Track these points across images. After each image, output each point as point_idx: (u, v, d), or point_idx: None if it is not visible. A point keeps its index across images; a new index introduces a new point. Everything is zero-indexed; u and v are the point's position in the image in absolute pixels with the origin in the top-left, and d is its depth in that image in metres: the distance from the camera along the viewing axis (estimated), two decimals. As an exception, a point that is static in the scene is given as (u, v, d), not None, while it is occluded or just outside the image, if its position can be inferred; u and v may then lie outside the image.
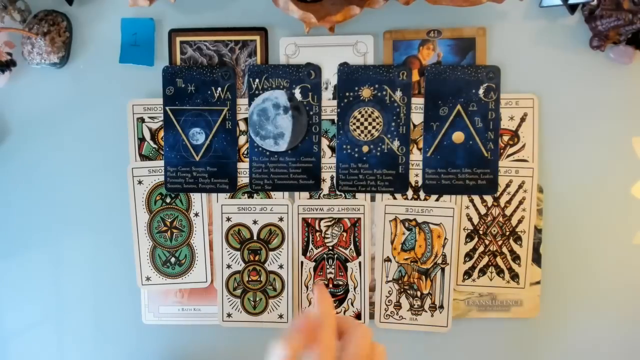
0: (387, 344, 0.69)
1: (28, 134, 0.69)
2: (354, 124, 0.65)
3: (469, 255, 0.66)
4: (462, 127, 0.64)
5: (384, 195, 0.66)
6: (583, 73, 0.64)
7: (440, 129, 0.65)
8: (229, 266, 0.68)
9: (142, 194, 0.68)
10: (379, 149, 0.65)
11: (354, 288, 0.67)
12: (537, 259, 0.66)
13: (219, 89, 0.66)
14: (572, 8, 0.63)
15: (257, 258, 0.67)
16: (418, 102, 0.65)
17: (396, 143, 0.65)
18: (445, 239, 0.66)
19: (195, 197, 0.67)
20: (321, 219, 0.66)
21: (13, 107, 0.69)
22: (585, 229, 0.65)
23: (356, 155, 0.65)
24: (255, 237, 0.67)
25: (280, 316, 0.68)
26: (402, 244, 0.66)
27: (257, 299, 0.68)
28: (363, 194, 0.66)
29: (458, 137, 0.65)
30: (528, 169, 0.64)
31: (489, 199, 0.65)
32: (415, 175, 0.66)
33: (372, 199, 0.66)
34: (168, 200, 0.68)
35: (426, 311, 0.66)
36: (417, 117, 0.65)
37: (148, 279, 0.68)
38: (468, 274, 0.66)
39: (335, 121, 0.66)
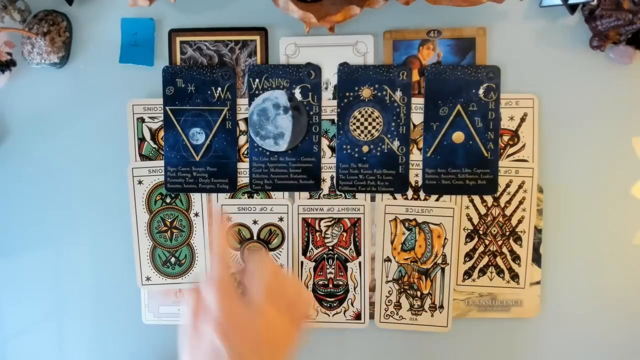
0: (387, 344, 0.69)
1: (28, 134, 0.69)
2: (354, 124, 0.65)
3: (469, 255, 0.66)
4: (462, 127, 0.64)
5: (384, 195, 0.66)
6: (583, 73, 0.64)
7: (440, 129, 0.65)
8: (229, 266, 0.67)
9: (142, 194, 0.68)
10: (379, 149, 0.65)
11: (354, 288, 0.67)
12: (537, 259, 0.66)
13: (219, 89, 0.66)
14: (572, 8, 0.63)
15: (257, 258, 0.67)
16: (418, 102, 0.65)
17: (396, 143, 0.65)
18: (445, 239, 0.66)
19: (195, 197, 0.67)
20: (321, 219, 0.66)
21: (13, 107, 0.69)
22: (585, 229, 0.65)
23: (356, 155, 0.65)
24: (255, 237, 0.67)
25: (280, 316, 0.68)
26: (402, 244, 0.66)
27: (257, 299, 0.68)
28: (363, 194, 0.66)
29: (458, 137, 0.65)
30: (528, 169, 0.64)
31: (489, 199, 0.65)
32: (415, 175, 0.66)
33: (372, 199, 0.66)
34: (168, 200, 0.68)
35: (426, 311, 0.66)
36: (417, 117, 0.65)
37: (148, 279, 0.68)
38: (468, 274, 0.66)
39: (335, 121, 0.66)
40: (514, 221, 0.65)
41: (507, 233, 0.65)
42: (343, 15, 0.59)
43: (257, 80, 0.66)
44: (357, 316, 0.67)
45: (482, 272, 0.66)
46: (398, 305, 0.67)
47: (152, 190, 0.68)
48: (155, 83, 0.66)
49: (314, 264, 0.67)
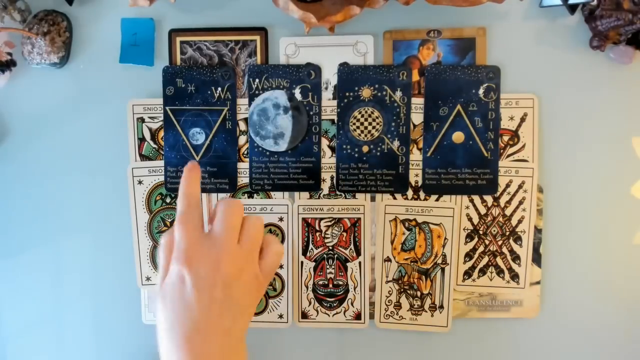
0: (387, 344, 0.69)
1: (28, 134, 0.69)
2: (354, 124, 0.65)
3: (469, 255, 0.66)
4: (462, 127, 0.64)
5: (384, 195, 0.66)
6: (583, 73, 0.64)
7: (440, 129, 0.65)
8: (229, 266, 0.67)
9: (142, 194, 0.68)
10: (379, 149, 0.65)
11: (354, 288, 0.67)
12: (537, 259, 0.66)
13: (219, 89, 0.66)
14: (572, 8, 0.63)
15: (257, 258, 0.67)
16: (418, 102, 0.65)
17: (396, 143, 0.65)
18: (445, 239, 0.66)
19: (195, 197, 0.67)
20: (321, 219, 0.66)
21: (13, 107, 0.69)
22: (585, 229, 0.65)
23: (356, 155, 0.65)
24: (255, 237, 0.67)
25: (280, 316, 0.68)
26: (402, 244, 0.66)
27: (257, 299, 0.68)
28: (363, 194, 0.66)
29: (458, 137, 0.65)
30: (528, 169, 0.64)
31: (489, 199, 0.65)
32: (415, 175, 0.66)
33: (372, 199, 0.66)
34: (168, 200, 0.68)
35: (426, 311, 0.66)
36: (417, 117, 0.65)
37: (148, 279, 0.68)
38: (468, 274, 0.66)
39: (335, 121, 0.66)
40: (514, 221, 0.65)
41: (507, 233, 0.65)
42: (343, 15, 0.59)
43: (257, 80, 0.66)
44: (357, 316, 0.67)
45: (482, 272, 0.66)
46: (398, 305, 0.67)
47: (152, 190, 0.68)
48: (155, 83, 0.66)
49: (314, 264, 0.67)
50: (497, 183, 0.65)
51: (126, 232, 0.68)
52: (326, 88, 0.66)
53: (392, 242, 0.66)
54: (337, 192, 0.66)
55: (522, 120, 0.64)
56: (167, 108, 0.66)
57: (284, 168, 0.66)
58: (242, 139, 0.67)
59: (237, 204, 0.47)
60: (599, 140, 0.65)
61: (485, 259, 0.66)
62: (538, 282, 0.66)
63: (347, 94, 0.65)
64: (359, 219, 0.66)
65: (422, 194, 0.66)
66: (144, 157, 0.68)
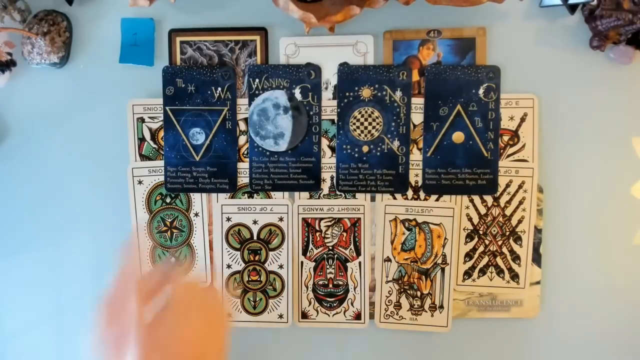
0: (387, 344, 0.69)
1: (28, 134, 0.69)
2: (354, 124, 0.65)
3: (469, 255, 0.66)
4: (462, 127, 0.64)
5: (384, 195, 0.66)
6: (583, 73, 0.64)
7: (440, 129, 0.65)
8: (229, 266, 0.68)
9: (142, 194, 0.68)
10: (379, 149, 0.65)
11: (354, 288, 0.67)
12: (537, 259, 0.66)
13: (219, 89, 0.66)
14: (572, 8, 0.62)
15: (257, 258, 0.67)
16: (418, 102, 0.65)
17: (396, 143, 0.65)
18: (445, 239, 0.66)
19: (195, 197, 0.67)
20: (321, 219, 0.66)
21: (13, 107, 0.69)
22: (585, 229, 0.65)
23: (356, 155, 0.65)
24: (255, 237, 0.67)
25: (280, 316, 0.68)
26: (402, 244, 0.66)
27: (257, 299, 0.68)
28: (363, 194, 0.66)
29: (458, 137, 0.65)
30: (528, 169, 0.64)
31: (489, 199, 0.65)
32: (415, 175, 0.66)
33: (372, 199, 0.66)
34: (168, 200, 0.68)
35: (426, 311, 0.66)
36: (417, 117, 0.65)
37: (148, 279, 0.68)
38: (468, 274, 0.66)
39: (335, 121, 0.66)
40: (514, 221, 0.65)
41: (507, 233, 0.65)
42: (343, 15, 0.59)
43: (257, 80, 0.66)
44: (357, 316, 0.67)
45: (482, 272, 0.66)
46: (398, 305, 0.67)
47: (152, 190, 0.68)
48: (155, 83, 0.66)
49: (314, 264, 0.67)
50: (497, 183, 0.65)
51: (126, 232, 0.68)
52: (326, 88, 0.66)
53: (392, 242, 0.66)
54: (337, 192, 0.66)
55: (522, 120, 0.64)
56: (167, 108, 0.66)
57: (284, 168, 0.66)
58: (242, 139, 0.67)
59: (175, 275, 0.45)
60: (599, 140, 0.65)
61: (485, 259, 0.66)
62: (538, 282, 0.66)
63: (347, 94, 0.65)
64: (359, 219, 0.66)
65: (422, 194, 0.66)
66: (144, 157, 0.68)
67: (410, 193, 0.66)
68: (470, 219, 0.66)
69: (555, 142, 0.65)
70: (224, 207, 0.67)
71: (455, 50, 0.64)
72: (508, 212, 0.65)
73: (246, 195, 0.67)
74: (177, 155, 0.67)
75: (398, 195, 0.66)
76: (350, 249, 0.66)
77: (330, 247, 0.67)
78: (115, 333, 0.42)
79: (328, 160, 0.66)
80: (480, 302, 0.66)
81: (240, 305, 0.68)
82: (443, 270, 0.66)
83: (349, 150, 0.65)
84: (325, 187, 0.66)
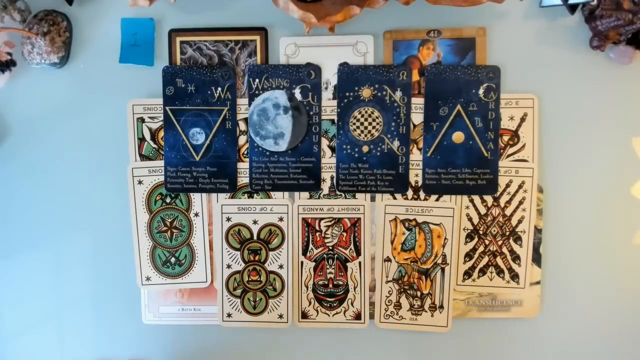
0: (387, 344, 0.69)
1: (28, 134, 0.69)
2: (354, 124, 0.65)
3: (469, 255, 0.66)
4: (462, 127, 0.64)
5: (384, 195, 0.66)
6: (583, 73, 0.64)
7: (440, 129, 0.65)
8: (229, 266, 0.68)
9: (142, 194, 0.68)
10: (379, 149, 0.65)
11: (354, 288, 0.67)
12: (537, 259, 0.66)
13: (219, 89, 0.66)
14: (572, 8, 0.62)
15: (257, 258, 0.67)
16: (418, 102, 0.65)
17: (396, 143, 0.65)
18: (445, 239, 0.66)
19: (195, 197, 0.67)
20: (321, 219, 0.66)
21: (13, 107, 0.69)
22: (585, 229, 0.65)
23: (356, 155, 0.65)
24: (255, 237, 0.67)
25: (280, 316, 0.68)
26: (402, 244, 0.66)
27: (257, 299, 0.68)
28: (363, 194, 0.66)
29: (458, 137, 0.65)
30: (528, 169, 0.64)
31: (489, 199, 0.65)
32: (415, 175, 0.66)
33: (372, 199, 0.66)
34: (168, 200, 0.68)
35: (426, 311, 0.66)
36: (417, 117, 0.65)
37: (148, 279, 0.68)
38: (468, 274, 0.66)
39: (335, 121, 0.66)
40: (514, 221, 0.65)
41: (507, 233, 0.65)
42: (343, 15, 0.59)
43: (257, 80, 0.66)
44: (357, 316, 0.67)
45: (482, 272, 0.66)
46: (398, 305, 0.67)
47: (152, 190, 0.68)
48: (155, 83, 0.66)
49: (314, 264, 0.67)
50: (497, 183, 0.65)
51: (126, 232, 0.68)
52: (326, 88, 0.66)
53: (392, 242, 0.66)
54: (337, 192, 0.66)
55: (522, 120, 0.64)
56: (167, 108, 0.66)
57: (284, 168, 0.66)
58: (242, 139, 0.67)
59: None
60: (599, 140, 0.65)
61: (485, 259, 0.66)
62: (538, 282, 0.66)
63: (347, 94, 0.65)
64: (359, 219, 0.66)
65: (422, 194, 0.66)
66: (144, 157, 0.68)
67: (410, 193, 0.66)
68: (470, 219, 0.66)
69: (555, 142, 0.65)
70: (224, 207, 0.67)
71: (455, 50, 0.64)
72: (508, 212, 0.65)
73: (246, 195, 0.67)
74: (177, 155, 0.67)
75: (398, 195, 0.66)
76: (350, 249, 0.66)
77: (330, 247, 0.67)
78: None
79: (328, 160, 0.66)
80: (480, 302, 0.66)
81: (240, 305, 0.68)
82: (443, 270, 0.66)
83: (349, 150, 0.65)
84: (325, 187, 0.66)
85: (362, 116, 0.65)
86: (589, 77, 0.64)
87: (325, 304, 0.67)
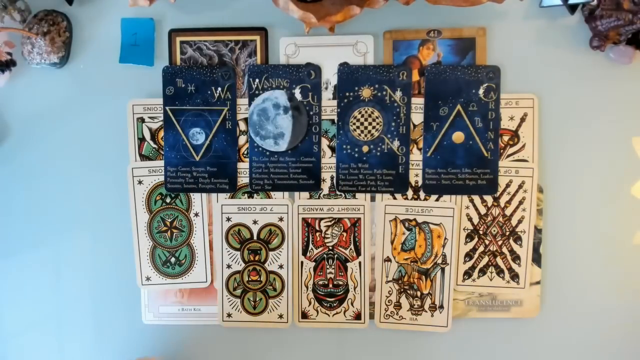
0: (387, 344, 0.69)
1: (28, 134, 0.69)
2: (354, 124, 0.65)
3: (469, 255, 0.66)
4: (462, 127, 0.64)
5: (384, 195, 0.66)
6: (583, 73, 0.64)
7: (440, 129, 0.65)
8: (229, 266, 0.68)
9: (142, 194, 0.68)
10: (379, 149, 0.65)
11: (354, 288, 0.67)
12: (537, 259, 0.66)
13: (219, 89, 0.66)
14: (572, 8, 0.63)
15: (257, 258, 0.67)
16: (418, 102, 0.65)
17: (396, 143, 0.65)
18: (445, 239, 0.66)
19: (195, 197, 0.67)
20: (321, 219, 0.66)
21: (13, 107, 0.69)
22: (585, 229, 0.65)
23: (356, 155, 0.65)
24: (255, 237, 0.67)
25: (280, 316, 0.68)
26: (402, 244, 0.66)
27: (257, 299, 0.68)
28: (363, 194, 0.66)
29: (458, 137, 0.65)
30: (528, 169, 0.64)
31: (489, 199, 0.65)
32: (415, 175, 0.66)
33: (372, 199, 0.66)
34: (168, 200, 0.68)
35: (426, 311, 0.66)
36: (417, 117, 0.65)
37: (148, 279, 0.68)
38: (468, 274, 0.66)
39: (335, 121, 0.66)
40: (514, 221, 0.65)
41: (507, 233, 0.65)
42: (343, 15, 0.59)
43: (257, 80, 0.66)
44: (357, 316, 0.67)
45: (482, 272, 0.66)
46: (398, 305, 0.67)
47: (152, 190, 0.68)
48: (155, 83, 0.66)
49: (314, 264, 0.67)
50: (497, 183, 0.65)
51: (126, 232, 0.68)
52: (326, 88, 0.66)
53: (392, 242, 0.66)
54: (337, 192, 0.66)
55: (522, 120, 0.64)
56: (167, 108, 0.66)
57: (284, 168, 0.66)
58: (242, 139, 0.67)
59: None
60: (599, 140, 0.65)
61: (485, 259, 0.66)
62: (538, 282, 0.66)
63: (347, 94, 0.65)
64: (359, 219, 0.66)
65: (422, 194, 0.66)
66: (144, 157, 0.68)
67: (410, 193, 0.66)
68: (470, 219, 0.66)
69: (555, 142, 0.65)
70: (224, 207, 0.67)
71: (455, 50, 0.64)
72: (508, 212, 0.65)
73: (246, 195, 0.67)
74: (177, 155, 0.67)
75: (398, 195, 0.66)
76: (350, 249, 0.66)
77: (330, 247, 0.67)
78: None
79: (328, 160, 0.66)
80: (480, 302, 0.66)
81: (240, 305, 0.68)
82: (443, 270, 0.66)
83: (349, 150, 0.65)
84: (325, 187, 0.66)
85: (362, 116, 0.65)
86: (589, 77, 0.64)
87: (325, 304, 0.67)
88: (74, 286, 0.70)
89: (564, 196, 0.65)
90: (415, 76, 0.65)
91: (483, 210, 0.65)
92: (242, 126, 0.67)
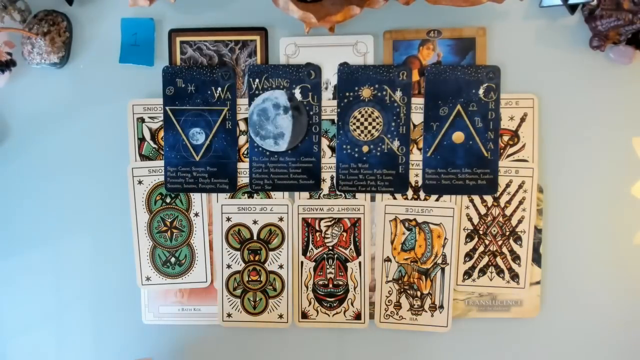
0: (387, 344, 0.69)
1: (28, 134, 0.69)
2: (354, 124, 0.65)
3: (469, 255, 0.66)
4: (462, 127, 0.64)
5: (384, 195, 0.66)
6: (583, 73, 0.64)
7: (440, 129, 0.65)
8: (229, 266, 0.68)
9: (142, 194, 0.68)
10: (379, 149, 0.65)
11: (354, 288, 0.67)
12: (537, 259, 0.66)
13: (219, 89, 0.66)
14: (572, 8, 0.63)
15: (257, 258, 0.67)
16: (418, 102, 0.65)
17: (396, 143, 0.65)
18: (445, 239, 0.66)
19: (195, 197, 0.67)
20: (321, 219, 0.66)
21: (13, 107, 0.69)
22: (585, 229, 0.65)
23: (356, 155, 0.65)
24: (255, 237, 0.67)
25: (280, 316, 0.68)
26: (402, 244, 0.66)
27: (257, 299, 0.68)
28: (363, 194, 0.66)
29: (458, 137, 0.65)
30: (528, 169, 0.64)
31: (489, 199, 0.65)
32: (415, 175, 0.66)
33: (372, 199, 0.66)
34: (168, 200, 0.68)
35: (426, 311, 0.66)
36: (417, 117, 0.65)
37: (148, 279, 0.68)
38: (468, 274, 0.66)
39: (335, 121, 0.66)
40: (514, 221, 0.65)
41: (507, 233, 0.65)
42: (343, 15, 0.59)
43: (257, 80, 0.66)
44: (357, 316, 0.67)
45: (482, 272, 0.66)
46: (398, 305, 0.67)
47: (152, 190, 0.68)
48: (155, 83, 0.66)
49: (314, 264, 0.67)
50: (497, 183, 0.65)
51: (126, 232, 0.68)
52: (326, 88, 0.66)
53: (392, 242, 0.66)
54: (337, 192, 0.66)
55: (522, 120, 0.64)
56: (167, 108, 0.66)
57: (284, 168, 0.66)
58: (242, 139, 0.67)
59: None
60: (599, 140, 0.65)
61: (485, 259, 0.66)
62: (538, 282, 0.66)
63: (347, 94, 0.65)
64: (359, 219, 0.66)
65: (422, 194, 0.66)
66: (144, 157, 0.68)
67: (410, 193, 0.66)
68: (470, 219, 0.66)
69: (555, 142, 0.65)
70: (224, 207, 0.67)
71: (455, 50, 0.64)
72: (508, 212, 0.65)
73: (246, 195, 0.67)
74: (177, 155, 0.67)
75: (398, 195, 0.66)
76: (350, 249, 0.66)
77: (330, 247, 0.67)
78: None
79: (328, 160, 0.66)
80: (480, 302, 0.66)
81: (240, 305, 0.68)
82: (443, 270, 0.66)
83: (349, 150, 0.65)
84: (325, 187, 0.66)
85: (362, 116, 0.65)
86: (589, 77, 0.64)
87: (325, 304, 0.67)
88: (74, 286, 0.70)
89: (564, 196, 0.65)
90: (415, 76, 0.65)
91: (483, 210, 0.65)
92: (242, 126, 0.67)
